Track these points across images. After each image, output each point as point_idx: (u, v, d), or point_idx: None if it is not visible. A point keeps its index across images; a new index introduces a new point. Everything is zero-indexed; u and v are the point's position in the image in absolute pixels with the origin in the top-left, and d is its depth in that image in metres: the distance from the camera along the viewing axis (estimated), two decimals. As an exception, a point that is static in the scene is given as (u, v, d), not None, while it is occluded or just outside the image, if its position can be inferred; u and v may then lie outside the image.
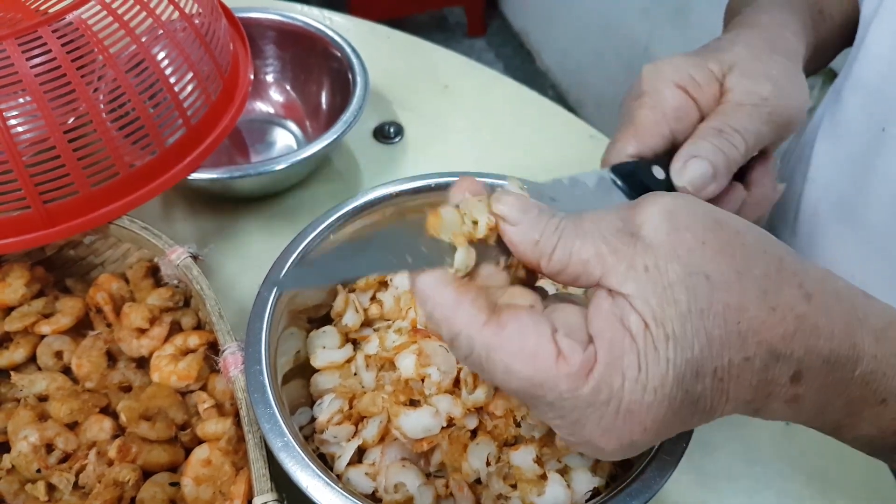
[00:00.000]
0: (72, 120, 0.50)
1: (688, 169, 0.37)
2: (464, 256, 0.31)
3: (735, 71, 0.40)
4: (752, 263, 0.29)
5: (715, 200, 0.39)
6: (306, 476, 0.38)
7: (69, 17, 0.50)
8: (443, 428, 0.43)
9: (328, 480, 0.38)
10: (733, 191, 0.41)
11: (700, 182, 0.37)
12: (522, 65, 2.03)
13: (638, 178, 0.38)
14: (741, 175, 0.42)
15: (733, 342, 0.28)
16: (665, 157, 0.39)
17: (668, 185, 0.38)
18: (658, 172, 0.38)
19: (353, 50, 0.66)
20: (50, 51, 0.48)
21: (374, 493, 0.43)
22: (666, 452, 0.41)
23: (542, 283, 0.36)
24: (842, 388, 0.31)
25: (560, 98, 1.91)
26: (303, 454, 0.39)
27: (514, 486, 0.42)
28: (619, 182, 0.38)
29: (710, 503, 0.50)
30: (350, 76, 0.65)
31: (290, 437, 0.40)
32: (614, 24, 1.57)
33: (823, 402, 0.31)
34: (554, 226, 0.30)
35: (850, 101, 0.56)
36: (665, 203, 0.29)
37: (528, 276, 0.34)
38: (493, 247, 0.32)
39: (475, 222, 0.31)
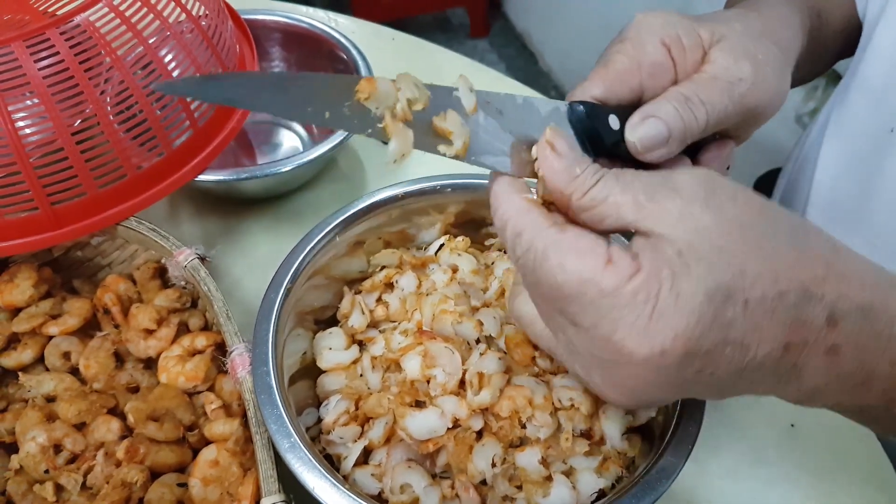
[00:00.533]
0: (79, 122, 0.50)
1: (643, 126, 0.37)
2: (398, 144, 0.32)
3: (722, 44, 0.39)
4: (781, 219, 0.31)
5: (658, 167, 0.39)
6: (313, 477, 0.39)
7: (77, 19, 0.50)
8: (448, 429, 0.43)
9: (335, 481, 0.38)
10: (680, 163, 0.40)
11: (651, 142, 0.37)
12: (525, 66, 2.03)
13: (592, 121, 0.37)
14: (694, 153, 0.41)
15: (766, 277, 0.29)
16: (627, 109, 0.38)
17: (620, 137, 0.38)
18: (614, 122, 0.38)
19: (359, 52, 0.66)
20: (58, 53, 0.48)
21: (380, 493, 0.43)
22: (672, 454, 0.41)
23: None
24: (883, 343, 0.31)
25: (562, 98, 1.91)
26: (309, 455, 0.39)
27: (519, 488, 0.43)
28: (572, 118, 0.38)
29: (716, 503, 0.51)
30: (355, 78, 0.65)
31: (297, 438, 0.40)
32: (617, 25, 1.57)
33: (866, 361, 0.31)
34: (596, 168, 0.32)
35: (856, 101, 0.56)
36: (701, 171, 0.32)
37: None
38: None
39: (410, 101, 0.32)
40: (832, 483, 0.52)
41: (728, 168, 0.43)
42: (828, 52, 0.58)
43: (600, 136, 0.38)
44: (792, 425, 0.55)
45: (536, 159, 0.34)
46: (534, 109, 0.37)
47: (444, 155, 0.35)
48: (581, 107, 0.38)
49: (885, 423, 0.35)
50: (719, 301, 0.28)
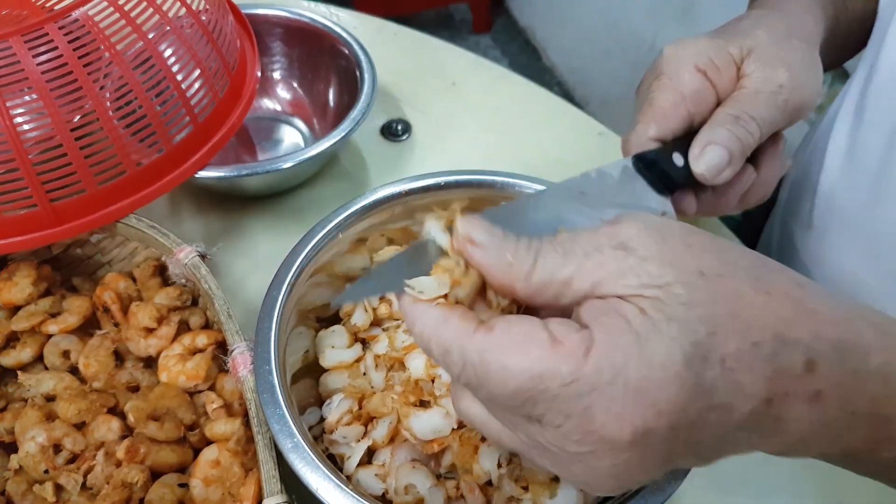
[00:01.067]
0: (78, 118, 0.50)
1: (705, 155, 0.39)
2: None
3: (753, 56, 0.41)
4: (738, 258, 0.29)
5: (727, 185, 0.41)
6: (317, 478, 0.38)
7: (75, 13, 0.49)
8: (453, 429, 0.42)
9: (339, 482, 0.38)
10: (745, 173, 0.42)
11: (717, 168, 0.39)
12: (528, 62, 2.02)
13: (659, 166, 0.40)
14: (751, 155, 0.43)
15: (738, 327, 0.27)
16: (683, 140, 0.41)
17: (687, 172, 0.40)
18: (678, 159, 0.40)
19: (361, 47, 0.65)
20: (56, 48, 0.47)
21: (384, 494, 0.42)
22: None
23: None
24: (861, 382, 0.29)
25: (566, 95, 1.90)
26: (313, 455, 0.39)
27: (525, 489, 0.42)
28: (641, 171, 0.40)
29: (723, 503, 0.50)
30: (358, 73, 0.64)
31: (300, 438, 0.39)
32: (620, 22, 1.56)
33: (847, 403, 0.29)
34: (525, 245, 0.29)
35: (869, 92, 0.55)
36: (645, 219, 0.29)
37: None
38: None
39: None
40: (839, 486, 0.51)
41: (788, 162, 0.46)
42: (848, 39, 0.58)
43: (670, 176, 0.40)
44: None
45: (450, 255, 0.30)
46: (608, 177, 0.39)
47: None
48: (646, 157, 0.40)
49: (872, 469, 0.33)
50: (698, 364, 0.26)
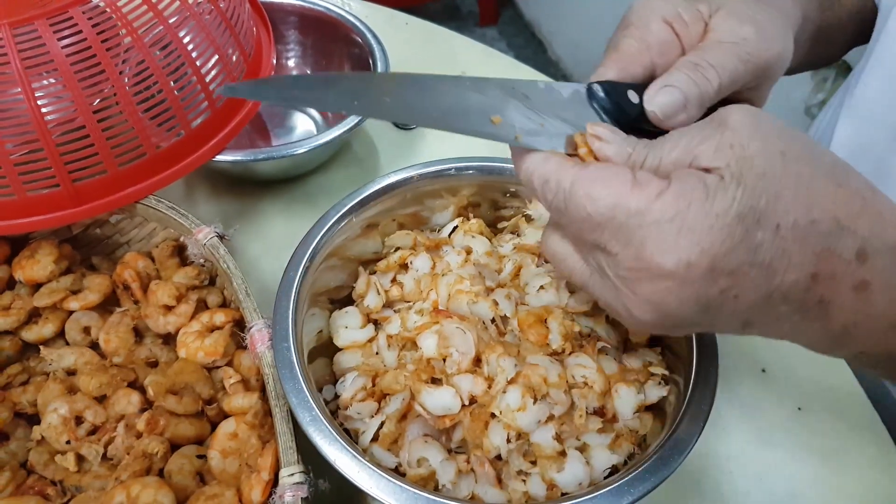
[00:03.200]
0: (100, 100, 0.51)
1: (659, 95, 0.38)
2: None
3: (721, 12, 0.41)
4: (822, 154, 0.32)
5: None
6: (334, 450, 0.39)
7: (98, -1, 0.50)
8: (464, 406, 0.44)
9: (356, 454, 0.39)
10: None
11: (670, 109, 0.38)
12: (534, 55, 2.03)
13: (612, 98, 0.39)
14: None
15: (800, 204, 0.30)
16: (643, 86, 0.40)
17: (641, 110, 0.39)
18: (633, 97, 0.40)
19: (375, 36, 0.67)
20: (80, 31, 0.49)
21: (397, 467, 0.44)
22: (684, 431, 0.42)
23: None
24: None
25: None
26: (330, 428, 0.40)
27: (534, 463, 0.43)
28: (593, 98, 0.39)
29: (723, 484, 0.51)
30: (371, 62, 0.65)
31: (318, 412, 0.41)
32: (627, 14, 1.57)
33: (895, 302, 0.31)
34: (643, 142, 0.34)
35: (870, 84, 0.56)
36: (746, 107, 0.32)
37: None
38: None
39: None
40: (838, 465, 0.53)
41: None
42: (841, 34, 0.58)
43: (623, 111, 0.39)
44: (799, 408, 0.56)
45: (581, 150, 0.36)
46: (555, 93, 0.39)
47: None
48: (599, 86, 0.39)
49: None
50: (750, 223, 0.30)
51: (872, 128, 0.55)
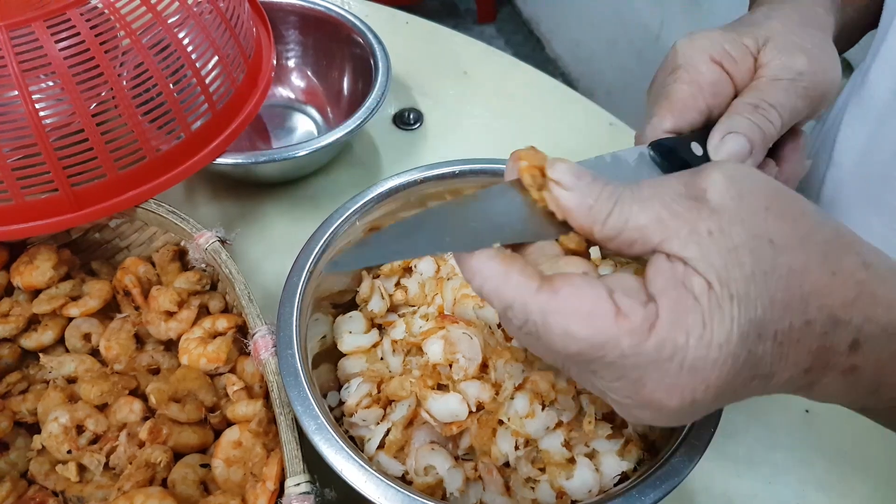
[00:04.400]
0: (99, 103, 0.50)
1: (726, 144, 0.37)
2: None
3: (770, 45, 0.40)
4: (814, 230, 0.29)
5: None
6: (341, 458, 0.39)
7: (96, -1, 0.50)
8: (471, 412, 0.43)
9: (363, 463, 0.39)
10: (766, 167, 0.41)
11: (737, 157, 0.37)
12: (533, 53, 2.02)
13: (677, 155, 0.38)
14: (772, 150, 0.42)
15: (795, 306, 0.28)
16: (701, 132, 0.40)
17: (706, 161, 0.38)
18: (696, 149, 0.39)
19: (376, 36, 0.66)
20: (78, 33, 0.48)
21: (403, 475, 0.43)
22: (694, 437, 0.41)
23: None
24: None
25: (570, 86, 1.90)
26: (336, 437, 0.40)
27: (542, 470, 0.43)
28: (658, 159, 0.38)
29: (732, 489, 0.51)
30: (372, 62, 0.65)
31: (324, 420, 0.40)
32: (626, 12, 1.56)
33: (880, 377, 0.31)
34: (609, 192, 0.29)
35: (877, 83, 0.56)
36: (728, 169, 0.29)
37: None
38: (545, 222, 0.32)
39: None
40: (846, 468, 0.52)
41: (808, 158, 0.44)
42: (854, 27, 0.58)
43: (689, 166, 0.37)
44: (807, 411, 0.55)
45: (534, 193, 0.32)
46: (623, 163, 0.38)
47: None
48: (662, 145, 0.38)
49: (884, 418, 0.36)
50: (752, 340, 0.27)
51: (881, 130, 0.54)
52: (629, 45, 1.62)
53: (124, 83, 0.52)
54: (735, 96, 0.41)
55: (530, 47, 2.06)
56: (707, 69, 0.40)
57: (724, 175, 0.29)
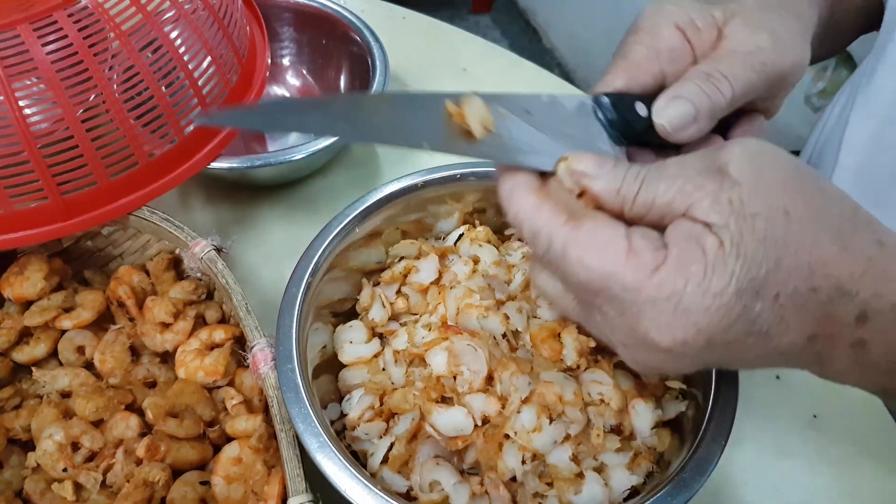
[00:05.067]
0: (87, 108, 0.48)
1: (669, 108, 0.37)
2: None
3: (735, 19, 0.39)
4: (830, 205, 0.30)
5: (691, 147, 0.39)
6: (344, 478, 0.38)
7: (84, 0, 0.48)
8: (476, 426, 0.42)
9: (367, 483, 0.38)
10: (712, 142, 0.40)
11: (679, 122, 0.37)
12: (529, 44, 2.00)
13: (619, 111, 0.38)
14: (724, 130, 0.41)
15: (802, 272, 0.29)
16: (652, 96, 0.38)
17: (649, 122, 0.38)
18: (641, 109, 0.38)
19: (373, 34, 0.64)
20: (66, 35, 0.46)
21: (408, 491, 0.42)
22: (705, 449, 0.40)
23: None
24: None
25: (566, 77, 1.87)
26: (339, 456, 0.39)
27: (550, 485, 0.42)
28: (599, 111, 0.38)
29: (740, 496, 0.50)
30: (370, 61, 0.63)
31: (326, 438, 0.39)
32: (623, 3, 1.54)
33: (891, 355, 0.31)
34: (634, 174, 0.31)
35: (884, 83, 0.55)
36: (751, 145, 0.30)
37: None
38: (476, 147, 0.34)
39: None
40: (855, 473, 0.51)
41: None
42: (846, 27, 0.57)
43: (630, 125, 0.38)
44: (815, 416, 0.54)
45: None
46: (560, 106, 0.37)
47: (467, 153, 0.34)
48: (606, 98, 0.38)
49: None
50: (749, 297, 0.29)
51: (889, 129, 0.53)
52: (626, 36, 1.60)
53: (115, 87, 0.50)
54: (693, 65, 0.40)
55: (526, 38, 2.03)
56: (668, 34, 0.39)
57: (745, 150, 0.30)
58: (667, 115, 0.37)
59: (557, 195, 0.33)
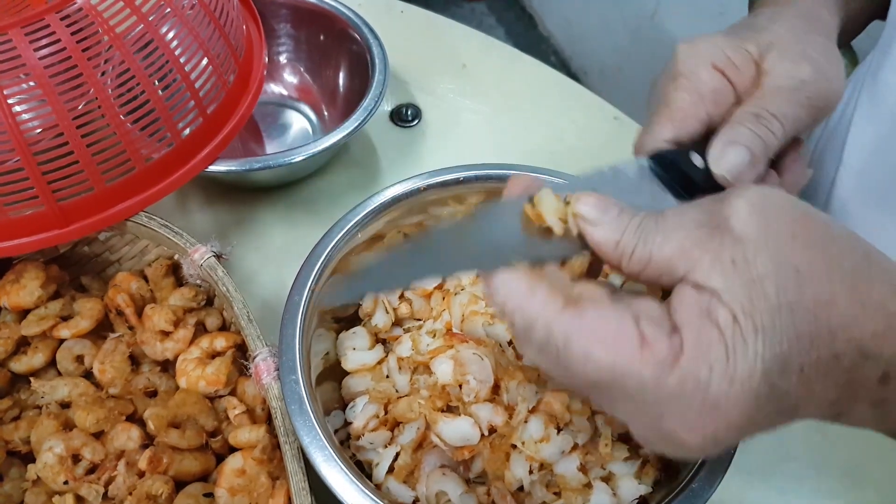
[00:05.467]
0: (82, 114, 0.47)
1: (726, 156, 0.36)
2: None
3: (773, 52, 0.39)
4: (842, 258, 0.28)
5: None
6: (352, 491, 0.37)
7: (78, 1, 0.47)
8: (483, 436, 0.42)
9: (375, 497, 0.37)
10: (767, 178, 0.40)
11: (738, 169, 0.36)
12: (524, 30, 1.98)
13: (677, 166, 0.37)
14: (773, 160, 0.40)
15: (823, 338, 0.27)
16: (702, 142, 0.38)
17: (706, 173, 0.37)
18: (696, 160, 0.38)
19: (371, 29, 0.63)
20: (59, 40, 0.45)
21: (414, 502, 0.42)
22: (714, 460, 0.40)
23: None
24: None
25: (562, 64, 1.87)
26: (345, 469, 0.38)
27: (557, 494, 0.42)
28: (658, 171, 0.37)
29: (746, 501, 0.50)
30: (368, 58, 0.62)
31: (332, 451, 0.39)
32: (620, -11, 1.53)
33: None
34: (636, 225, 0.29)
35: (889, 82, 0.54)
36: (753, 195, 0.28)
37: (589, 272, 0.33)
38: (559, 243, 0.31)
39: (567, 203, 0.31)
40: (859, 479, 0.51)
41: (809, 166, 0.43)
42: (859, 19, 0.56)
43: (689, 178, 0.37)
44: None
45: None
46: (623, 175, 0.37)
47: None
48: (662, 158, 0.38)
49: None
50: (776, 375, 0.26)
51: (893, 129, 0.52)
52: (623, 25, 1.59)
53: (109, 91, 0.49)
54: (737, 104, 0.39)
55: (522, 25, 2.01)
56: (708, 77, 0.38)
57: (748, 202, 0.28)
58: (725, 164, 0.36)
59: (551, 277, 0.30)
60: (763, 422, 0.28)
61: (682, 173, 0.37)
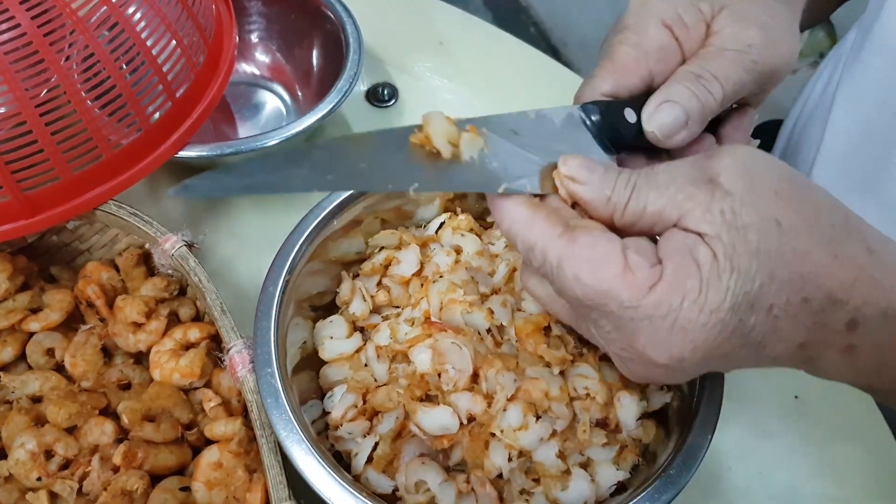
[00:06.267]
0: (44, 100, 0.46)
1: (659, 113, 0.36)
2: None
3: (724, 13, 0.38)
4: (821, 214, 0.30)
5: (683, 150, 0.38)
6: (330, 484, 0.37)
7: (35, -18, 0.45)
8: (462, 425, 0.42)
9: (353, 491, 0.37)
10: (703, 141, 0.40)
11: (670, 128, 0.36)
12: (505, 1, 1.95)
13: (608, 120, 0.37)
14: (714, 126, 0.40)
15: (794, 283, 0.29)
16: (640, 99, 0.38)
17: (639, 129, 0.37)
18: (630, 115, 0.37)
19: (345, 8, 0.61)
20: (19, 25, 0.43)
21: (394, 492, 0.42)
22: (691, 443, 0.40)
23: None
24: None
25: (542, 36, 1.85)
26: (323, 462, 0.38)
27: (536, 481, 0.42)
28: (588, 121, 0.37)
29: (724, 482, 0.51)
30: (343, 36, 0.60)
31: (309, 444, 0.38)
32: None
33: (881, 358, 0.31)
34: (625, 180, 0.31)
35: (871, 64, 0.53)
36: (741, 154, 0.30)
37: None
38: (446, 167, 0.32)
39: (466, 131, 0.33)
40: (836, 454, 0.52)
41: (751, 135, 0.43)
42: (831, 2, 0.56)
43: (620, 132, 0.37)
44: (796, 397, 0.55)
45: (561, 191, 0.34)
46: (548, 121, 0.36)
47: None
48: (594, 108, 0.37)
49: (891, 400, 0.37)
50: (744, 311, 0.29)
51: (877, 113, 0.52)
52: (605, -4, 1.57)
53: (74, 76, 0.47)
54: (682, 64, 0.39)
55: (512, 9, 1.99)
56: (655, 33, 0.38)
57: (736, 160, 0.30)
58: (657, 121, 0.36)
59: (552, 204, 0.33)
60: (729, 352, 0.30)
61: (613, 127, 0.37)
